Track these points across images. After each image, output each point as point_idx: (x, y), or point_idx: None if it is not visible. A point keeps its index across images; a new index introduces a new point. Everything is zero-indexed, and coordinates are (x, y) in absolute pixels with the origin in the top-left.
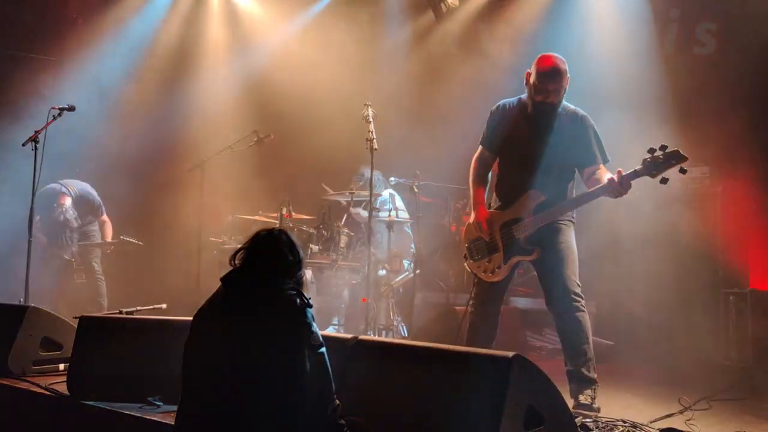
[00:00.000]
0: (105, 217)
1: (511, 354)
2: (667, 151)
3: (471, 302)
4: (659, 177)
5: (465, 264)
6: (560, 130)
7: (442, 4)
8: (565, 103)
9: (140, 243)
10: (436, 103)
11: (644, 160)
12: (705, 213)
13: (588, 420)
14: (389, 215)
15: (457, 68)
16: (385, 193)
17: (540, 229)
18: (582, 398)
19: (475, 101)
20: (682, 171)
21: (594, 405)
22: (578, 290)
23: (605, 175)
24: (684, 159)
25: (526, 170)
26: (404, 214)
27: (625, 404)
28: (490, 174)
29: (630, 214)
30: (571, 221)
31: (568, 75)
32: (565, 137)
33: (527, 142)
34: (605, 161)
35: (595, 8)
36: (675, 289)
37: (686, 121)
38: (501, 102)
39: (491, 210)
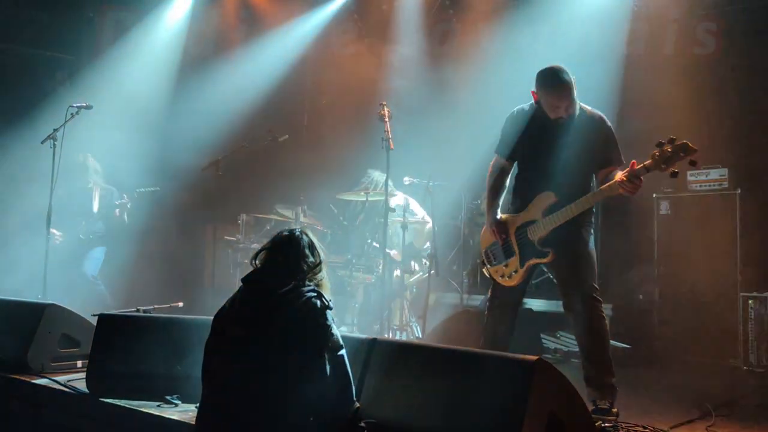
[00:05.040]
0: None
1: (533, 358)
2: (675, 143)
3: (488, 306)
4: (669, 171)
5: (483, 270)
6: (576, 133)
7: (458, 3)
8: (581, 104)
9: (157, 188)
10: (451, 103)
11: (653, 155)
12: (723, 215)
13: (608, 425)
14: (404, 216)
15: (473, 67)
16: (399, 200)
17: (556, 231)
18: (600, 403)
19: (491, 101)
20: (692, 163)
21: (613, 410)
22: (596, 294)
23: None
24: (694, 151)
25: (542, 173)
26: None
27: (644, 410)
28: (507, 179)
29: (647, 217)
30: (590, 224)
31: (574, 81)
32: (580, 139)
33: (543, 146)
34: (619, 163)
35: (601, 8)
36: (693, 292)
37: (704, 123)
38: (515, 109)
39: (507, 214)
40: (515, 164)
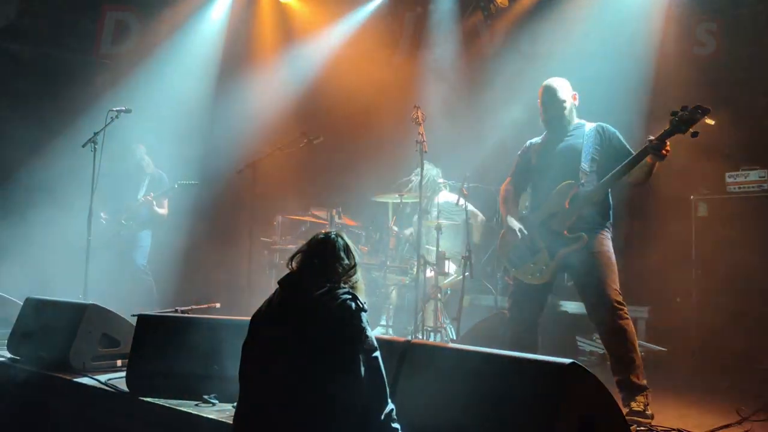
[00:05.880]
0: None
1: (567, 361)
2: (690, 107)
3: (509, 308)
4: (689, 132)
5: (506, 278)
6: (583, 140)
7: (491, 5)
8: (583, 121)
9: (196, 182)
10: (486, 104)
11: (671, 120)
12: (763, 217)
13: (642, 428)
14: (437, 218)
15: (507, 68)
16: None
17: (579, 219)
18: (635, 405)
19: (526, 102)
20: (708, 122)
21: (647, 412)
22: (619, 299)
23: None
24: (708, 110)
25: (556, 175)
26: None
27: (680, 413)
28: (520, 197)
29: (685, 218)
30: (608, 229)
31: (568, 91)
32: (588, 145)
33: (553, 159)
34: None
35: (634, 8)
36: (732, 294)
37: (742, 123)
38: (528, 141)
39: (522, 215)
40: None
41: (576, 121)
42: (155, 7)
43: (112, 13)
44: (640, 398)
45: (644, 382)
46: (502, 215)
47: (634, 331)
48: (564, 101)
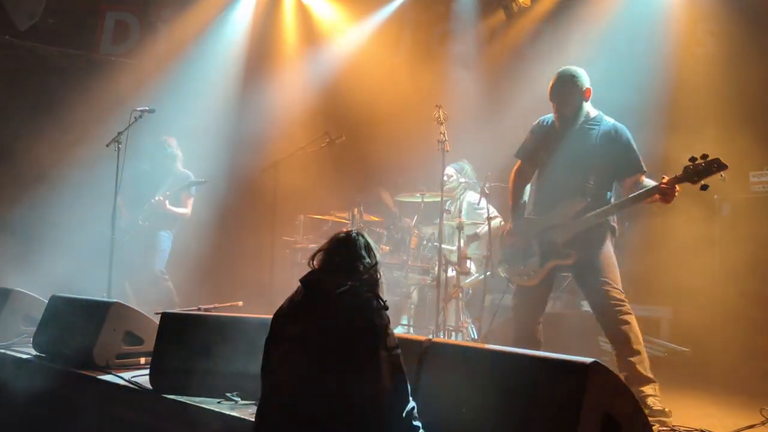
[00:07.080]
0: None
1: (588, 360)
2: (708, 158)
3: (512, 309)
4: (699, 184)
5: (499, 269)
6: (594, 141)
7: (513, 4)
8: (602, 115)
9: (206, 180)
10: (508, 104)
11: (685, 168)
12: None
13: (665, 428)
14: (459, 216)
15: (529, 68)
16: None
17: (578, 235)
18: (651, 402)
19: (548, 102)
20: (722, 178)
21: (666, 410)
22: (619, 295)
23: (648, 182)
24: (725, 167)
25: (563, 179)
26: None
27: (704, 413)
28: (528, 185)
29: (708, 219)
30: (610, 229)
31: (579, 85)
32: (599, 148)
33: (561, 153)
34: (642, 171)
35: (653, 7)
36: (756, 295)
37: (765, 121)
38: (541, 117)
39: (528, 217)
40: (537, 171)
41: (591, 114)
42: (155, 7)
43: (112, 13)
44: (648, 389)
45: (651, 375)
46: (510, 208)
47: (636, 324)
48: (573, 95)
